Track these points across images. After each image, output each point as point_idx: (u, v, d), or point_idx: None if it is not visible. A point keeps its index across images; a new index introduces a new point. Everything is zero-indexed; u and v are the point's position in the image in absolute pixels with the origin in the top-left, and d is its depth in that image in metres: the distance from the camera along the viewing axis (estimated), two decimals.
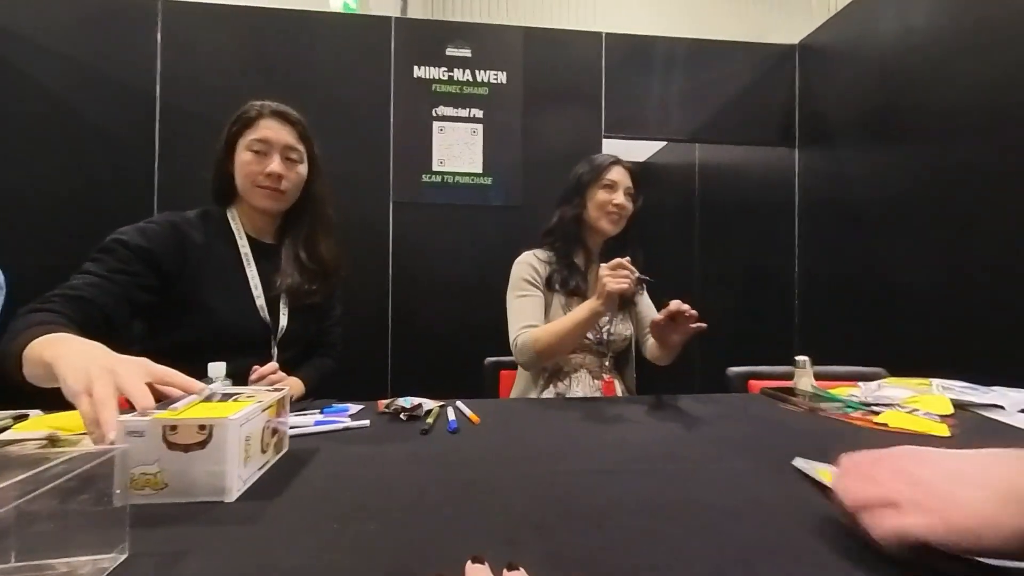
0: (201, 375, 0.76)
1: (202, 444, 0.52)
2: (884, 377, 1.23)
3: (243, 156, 1.06)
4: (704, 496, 0.55)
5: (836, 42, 2.10)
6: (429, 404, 0.87)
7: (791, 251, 2.24)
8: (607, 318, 1.25)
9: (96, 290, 0.87)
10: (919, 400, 0.99)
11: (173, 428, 0.51)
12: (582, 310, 1.09)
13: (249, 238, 1.10)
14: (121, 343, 0.97)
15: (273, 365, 0.94)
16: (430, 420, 0.80)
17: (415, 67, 2.03)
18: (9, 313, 1.70)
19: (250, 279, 1.07)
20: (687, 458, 0.69)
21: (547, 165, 2.07)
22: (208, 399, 0.59)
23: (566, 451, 0.69)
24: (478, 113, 2.08)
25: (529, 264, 1.27)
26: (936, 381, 1.05)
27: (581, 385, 1.20)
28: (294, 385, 1.09)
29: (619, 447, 0.70)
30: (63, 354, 0.60)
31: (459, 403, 0.90)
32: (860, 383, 1.07)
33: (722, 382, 1.38)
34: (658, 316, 1.04)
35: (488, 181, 2.09)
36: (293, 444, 0.70)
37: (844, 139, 2.04)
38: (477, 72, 2.08)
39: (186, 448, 0.52)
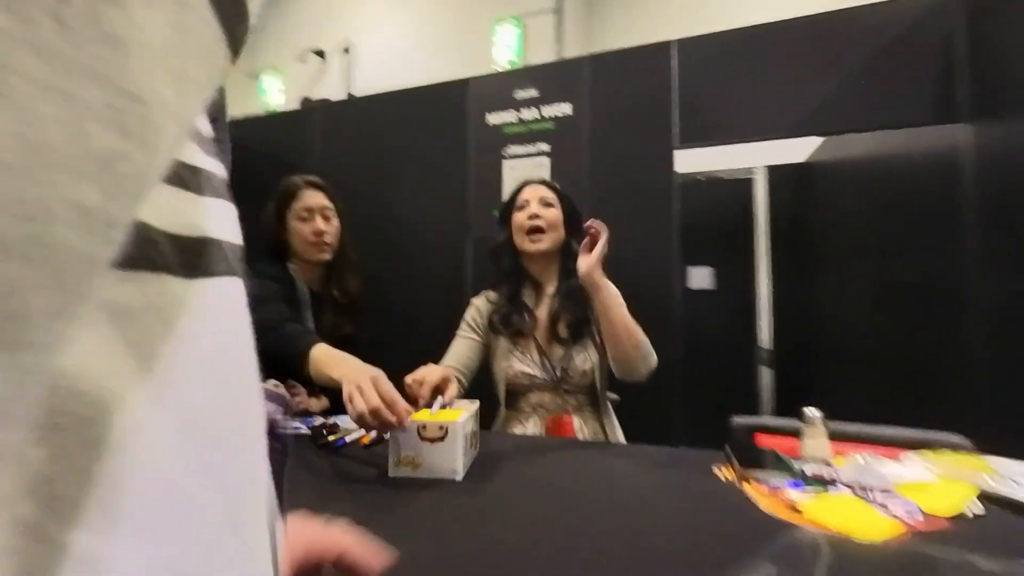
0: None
1: (442, 439, 0.73)
2: (963, 449, 0.87)
3: (295, 225, 1.41)
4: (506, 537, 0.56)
5: None
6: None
7: (959, 261, 1.65)
8: (562, 353, 1.17)
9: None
10: (926, 489, 0.69)
11: (424, 427, 0.73)
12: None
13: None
14: None
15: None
16: (331, 437, 0.94)
17: (487, 115, 2.22)
18: None
19: (308, 320, 1.40)
20: (528, 506, 0.68)
21: (614, 186, 2.01)
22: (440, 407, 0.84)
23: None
24: (545, 147, 2.14)
25: (475, 306, 1.28)
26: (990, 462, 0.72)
27: (537, 425, 1.15)
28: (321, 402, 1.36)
29: (478, 473, 0.73)
30: (340, 365, 0.89)
31: None
32: (861, 453, 0.80)
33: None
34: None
35: None
36: None
37: None
38: (543, 108, 2.15)
39: (432, 441, 0.73)
